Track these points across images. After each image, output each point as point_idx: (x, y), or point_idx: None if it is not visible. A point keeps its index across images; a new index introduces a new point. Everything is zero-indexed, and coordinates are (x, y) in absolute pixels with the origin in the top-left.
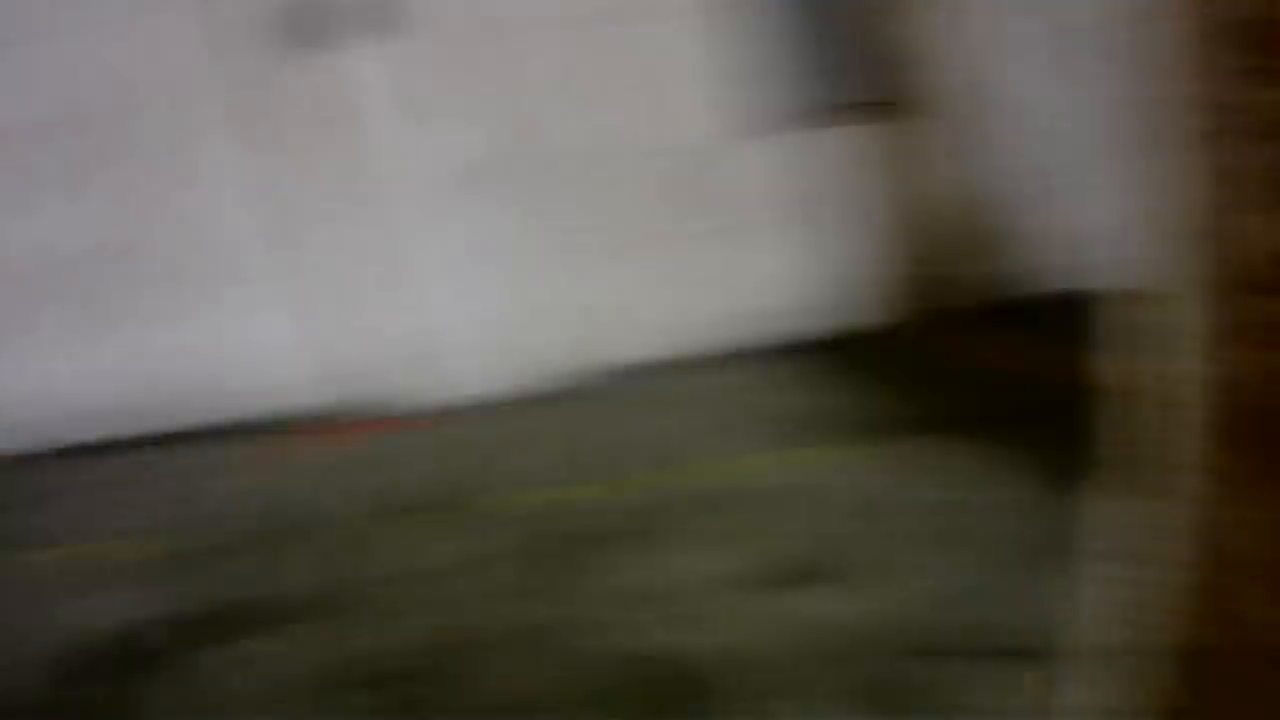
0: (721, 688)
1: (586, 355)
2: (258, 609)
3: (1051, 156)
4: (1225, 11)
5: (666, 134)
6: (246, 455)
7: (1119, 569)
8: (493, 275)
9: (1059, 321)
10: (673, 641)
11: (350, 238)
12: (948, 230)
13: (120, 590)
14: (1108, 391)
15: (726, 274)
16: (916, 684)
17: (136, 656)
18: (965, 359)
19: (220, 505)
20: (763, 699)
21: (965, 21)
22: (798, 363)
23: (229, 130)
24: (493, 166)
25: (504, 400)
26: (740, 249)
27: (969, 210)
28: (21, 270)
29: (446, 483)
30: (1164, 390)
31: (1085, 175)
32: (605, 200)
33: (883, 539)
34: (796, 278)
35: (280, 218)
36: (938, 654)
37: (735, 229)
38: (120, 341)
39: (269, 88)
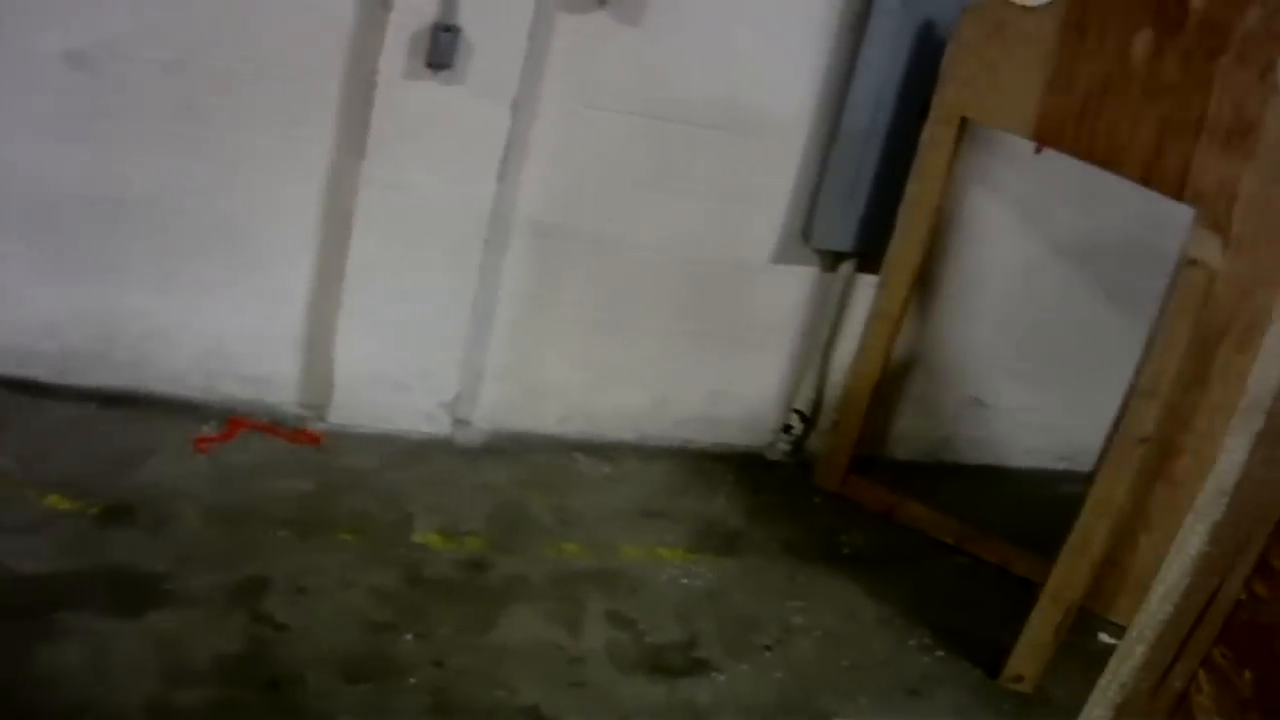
0: None
1: (525, 420)
2: (156, 588)
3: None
4: None
5: (707, 239)
6: (183, 435)
7: None
8: (467, 323)
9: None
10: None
11: (375, 257)
12: (890, 386)
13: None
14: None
15: (693, 376)
16: None
17: (31, 609)
18: (871, 506)
19: (145, 478)
20: None
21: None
22: (716, 471)
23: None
24: (531, 228)
25: (428, 444)
26: (715, 357)
27: (907, 370)
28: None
29: (368, 506)
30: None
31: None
32: (616, 284)
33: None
34: (749, 395)
35: (312, 214)
36: None
37: (720, 337)
38: (93, 290)
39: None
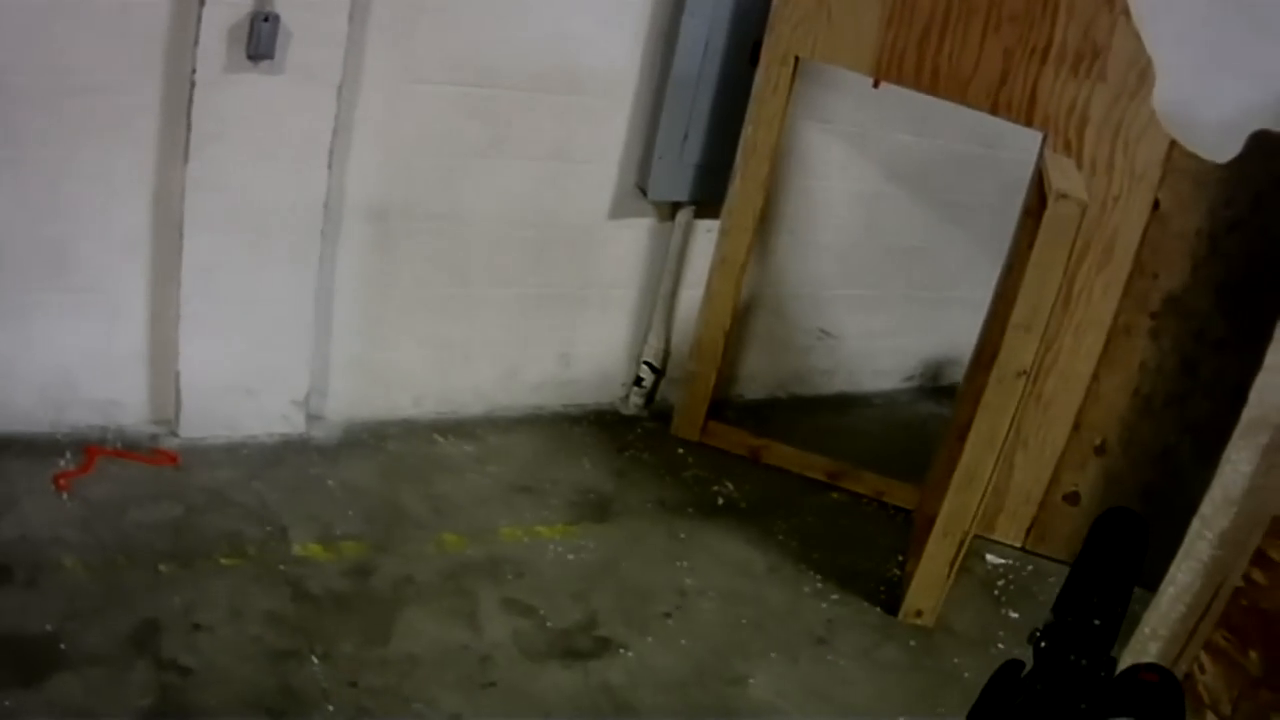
0: None
1: (379, 408)
2: (51, 650)
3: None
4: None
5: (545, 203)
6: (41, 474)
7: None
8: (311, 317)
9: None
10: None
11: (210, 262)
12: (737, 326)
13: None
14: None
15: (542, 341)
16: None
17: None
18: (735, 452)
19: (12, 531)
20: None
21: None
22: (575, 434)
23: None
24: (366, 213)
25: (285, 445)
26: (561, 320)
27: (752, 310)
28: None
29: (241, 524)
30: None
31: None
32: (458, 258)
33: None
34: (598, 353)
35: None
36: None
37: (565, 299)
38: None
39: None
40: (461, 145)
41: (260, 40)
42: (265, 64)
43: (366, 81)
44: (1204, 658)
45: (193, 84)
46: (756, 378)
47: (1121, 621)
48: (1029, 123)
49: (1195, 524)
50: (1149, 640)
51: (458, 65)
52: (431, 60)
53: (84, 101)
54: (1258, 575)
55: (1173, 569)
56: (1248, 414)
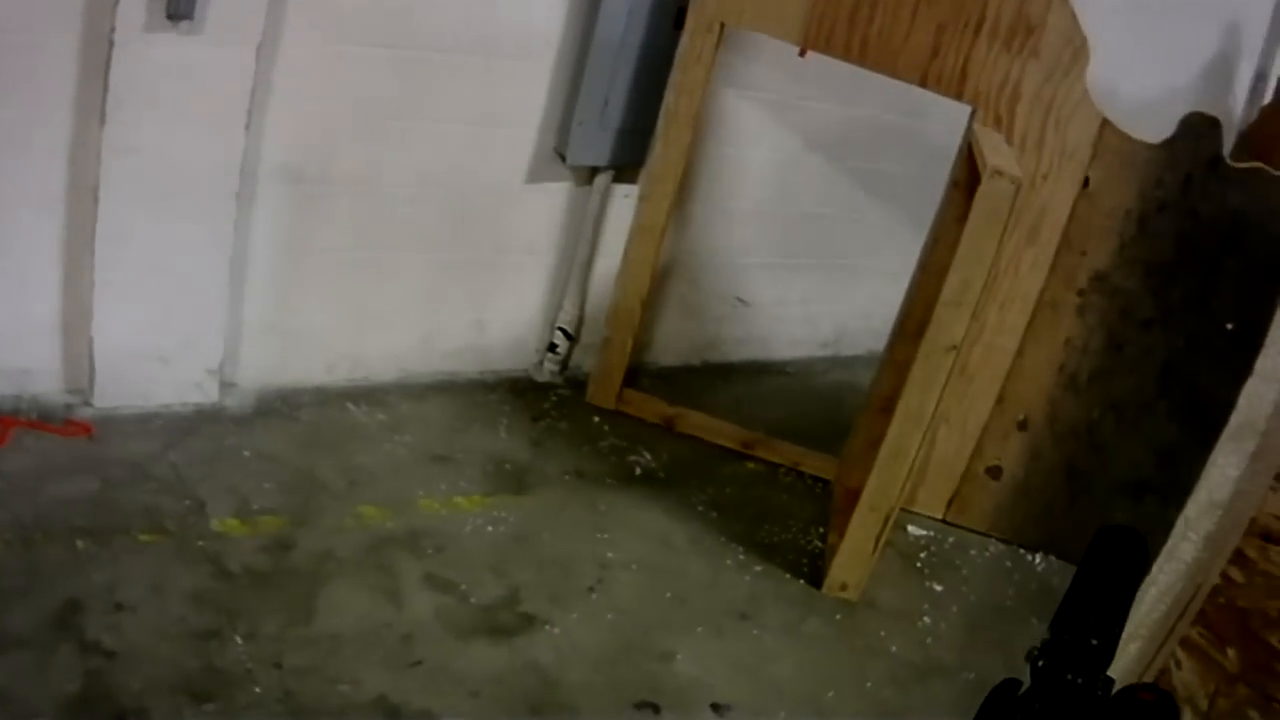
0: None
1: (292, 374)
2: None
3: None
4: None
5: (463, 167)
6: None
7: None
8: (225, 283)
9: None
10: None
11: (126, 227)
12: (652, 293)
13: None
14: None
15: (456, 307)
16: None
17: None
18: (650, 420)
19: None
20: None
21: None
22: (490, 402)
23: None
24: (282, 175)
25: (199, 414)
26: (476, 285)
27: (667, 277)
28: None
29: (158, 498)
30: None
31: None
32: (374, 223)
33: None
34: (512, 319)
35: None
36: None
37: (480, 265)
38: None
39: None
40: (380, 107)
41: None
42: (185, 24)
43: (286, 41)
44: (1180, 654)
45: (111, 44)
46: (671, 345)
47: (1118, 640)
48: (959, 96)
49: (1179, 525)
50: (1129, 640)
51: (380, 27)
52: (354, 20)
53: None
54: (1235, 573)
55: (1155, 570)
56: (1235, 419)
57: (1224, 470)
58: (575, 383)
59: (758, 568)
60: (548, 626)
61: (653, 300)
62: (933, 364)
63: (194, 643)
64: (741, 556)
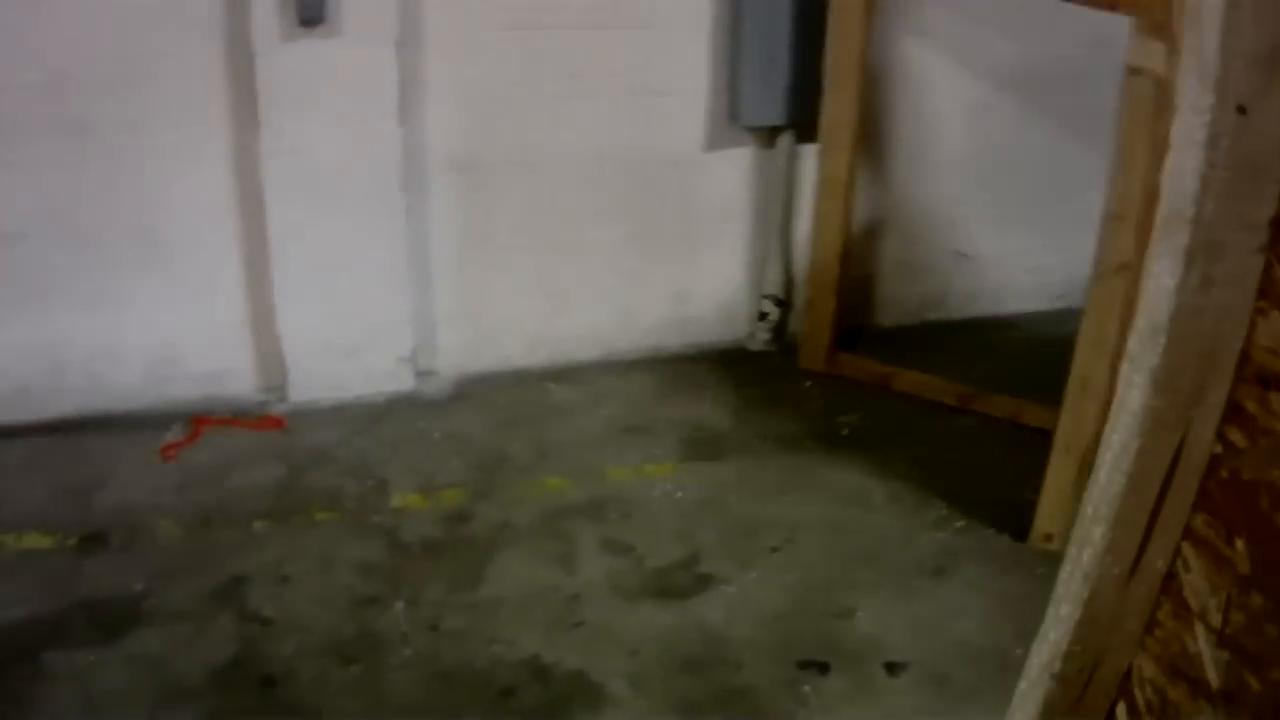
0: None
1: (492, 359)
2: (136, 609)
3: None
4: None
5: (634, 138)
6: (145, 447)
7: None
8: (406, 273)
9: (967, 348)
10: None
11: (296, 227)
12: (866, 253)
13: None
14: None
15: (653, 280)
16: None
17: (16, 655)
18: (865, 381)
19: (112, 499)
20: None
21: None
22: (695, 373)
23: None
24: (452, 165)
25: (393, 402)
26: (670, 257)
27: (881, 236)
28: None
29: (341, 479)
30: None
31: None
32: (552, 202)
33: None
34: (716, 289)
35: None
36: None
37: (671, 236)
38: (28, 323)
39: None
40: (538, 88)
41: (309, 4)
42: (321, 28)
43: (430, 35)
44: (1187, 551)
45: (252, 55)
46: (891, 305)
47: None
48: (1115, 8)
49: (1123, 368)
50: (1091, 524)
51: (519, 8)
52: (494, 4)
53: (154, 86)
54: (1235, 436)
55: (1105, 432)
56: (1161, 211)
57: (1159, 280)
58: (790, 350)
59: (959, 523)
60: (724, 586)
61: (868, 260)
62: (1106, 287)
63: (354, 610)
64: (944, 512)
